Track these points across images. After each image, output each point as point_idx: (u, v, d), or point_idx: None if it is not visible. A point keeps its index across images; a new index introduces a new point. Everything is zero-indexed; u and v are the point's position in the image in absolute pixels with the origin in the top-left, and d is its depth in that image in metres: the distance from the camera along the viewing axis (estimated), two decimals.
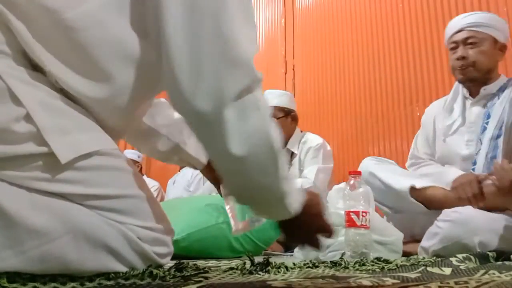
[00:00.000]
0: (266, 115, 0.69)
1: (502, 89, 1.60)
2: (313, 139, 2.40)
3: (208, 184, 3.18)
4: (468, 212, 1.32)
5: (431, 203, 1.48)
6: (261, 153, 0.68)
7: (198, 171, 3.87)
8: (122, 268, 0.68)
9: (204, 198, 1.81)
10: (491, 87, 1.62)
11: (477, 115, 1.63)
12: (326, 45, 3.01)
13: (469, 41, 1.61)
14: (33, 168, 0.62)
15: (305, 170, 2.32)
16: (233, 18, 0.65)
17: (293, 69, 3.26)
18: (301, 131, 2.50)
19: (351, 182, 1.26)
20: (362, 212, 1.20)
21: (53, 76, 0.67)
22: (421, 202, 1.51)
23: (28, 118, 0.61)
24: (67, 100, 0.68)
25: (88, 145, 0.66)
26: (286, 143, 2.42)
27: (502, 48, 1.64)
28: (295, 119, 2.46)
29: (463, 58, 1.61)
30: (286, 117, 2.40)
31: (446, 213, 1.35)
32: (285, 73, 3.29)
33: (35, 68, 0.67)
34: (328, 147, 2.42)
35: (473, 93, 1.67)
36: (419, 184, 1.51)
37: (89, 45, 0.67)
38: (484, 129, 1.57)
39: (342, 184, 1.40)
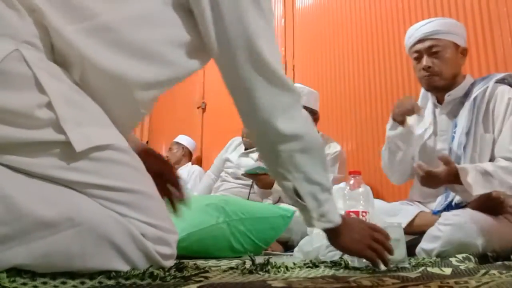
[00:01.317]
0: (309, 123, 0.90)
1: (467, 93, 1.59)
2: (331, 145, 2.35)
3: (206, 181, 3.18)
4: (469, 215, 1.32)
5: (422, 231, 1.46)
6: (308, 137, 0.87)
7: (194, 169, 3.83)
8: (125, 267, 0.69)
9: (204, 198, 1.80)
10: (456, 92, 1.61)
11: (446, 124, 1.63)
12: (326, 45, 3.01)
13: (433, 50, 1.59)
14: (49, 155, 0.65)
15: None
16: (267, 44, 0.81)
17: (293, 69, 3.25)
18: (318, 132, 2.48)
19: (351, 182, 1.26)
20: (362, 212, 1.20)
21: (88, 60, 0.72)
22: (415, 233, 1.48)
23: (49, 106, 0.65)
24: (86, 96, 0.72)
25: (103, 138, 0.70)
26: None
27: (463, 51, 1.64)
28: (316, 120, 2.43)
29: (428, 67, 1.60)
30: None
31: (447, 216, 1.35)
32: (285, 73, 3.29)
33: (59, 64, 0.71)
34: (344, 155, 2.39)
35: (440, 100, 1.67)
36: (404, 222, 1.48)
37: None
38: (453, 138, 1.58)
39: (342, 184, 1.40)
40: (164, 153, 4.62)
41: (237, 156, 2.88)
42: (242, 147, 2.93)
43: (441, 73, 1.59)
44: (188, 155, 3.85)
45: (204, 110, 4.17)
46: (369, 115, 2.60)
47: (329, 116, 2.86)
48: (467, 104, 1.55)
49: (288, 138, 0.84)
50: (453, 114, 1.62)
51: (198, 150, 4.04)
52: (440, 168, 1.39)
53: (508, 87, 1.55)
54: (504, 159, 1.45)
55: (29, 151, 0.64)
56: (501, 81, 1.57)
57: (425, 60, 1.60)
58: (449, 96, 1.62)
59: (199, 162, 3.98)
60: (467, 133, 1.52)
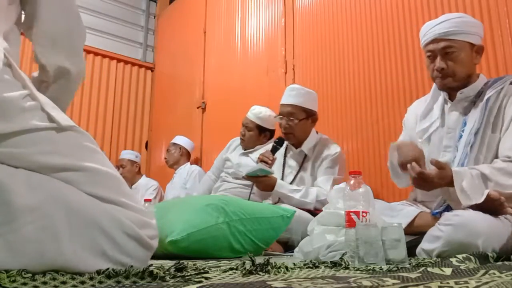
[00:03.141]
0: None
1: (479, 93, 1.58)
2: (331, 147, 2.33)
3: (205, 181, 3.18)
4: (469, 215, 1.31)
5: (422, 232, 1.46)
6: None
7: (193, 169, 3.90)
8: (113, 249, 0.73)
9: (204, 198, 1.80)
10: (468, 90, 1.60)
11: (455, 121, 1.61)
12: (326, 45, 3.00)
13: (447, 51, 1.56)
14: (33, 143, 0.72)
15: (319, 178, 2.27)
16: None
17: (293, 69, 3.25)
18: (317, 133, 2.45)
19: (351, 182, 1.26)
20: (362, 212, 1.20)
21: None
22: (415, 234, 1.48)
23: (33, 96, 0.75)
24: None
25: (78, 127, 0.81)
26: (301, 143, 2.36)
27: (479, 50, 1.60)
28: (314, 121, 2.41)
29: (442, 69, 1.57)
30: (307, 119, 2.35)
31: (447, 216, 1.35)
32: (285, 73, 3.28)
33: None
34: (344, 157, 2.38)
35: (452, 96, 1.65)
36: (404, 222, 1.46)
37: None
38: (461, 136, 1.56)
39: (342, 184, 1.40)
40: (163, 154, 4.63)
41: (237, 156, 2.88)
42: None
43: (454, 74, 1.57)
44: (186, 155, 3.85)
45: (204, 110, 4.16)
46: (369, 115, 2.60)
47: (329, 116, 2.85)
48: (480, 105, 1.54)
49: None
50: (463, 112, 1.61)
51: (198, 150, 4.04)
52: (433, 170, 1.39)
53: None
54: (502, 160, 1.44)
55: (14, 142, 0.70)
56: None
57: (439, 62, 1.57)
58: (461, 94, 1.60)
59: (198, 162, 3.98)
60: (476, 133, 1.51)
